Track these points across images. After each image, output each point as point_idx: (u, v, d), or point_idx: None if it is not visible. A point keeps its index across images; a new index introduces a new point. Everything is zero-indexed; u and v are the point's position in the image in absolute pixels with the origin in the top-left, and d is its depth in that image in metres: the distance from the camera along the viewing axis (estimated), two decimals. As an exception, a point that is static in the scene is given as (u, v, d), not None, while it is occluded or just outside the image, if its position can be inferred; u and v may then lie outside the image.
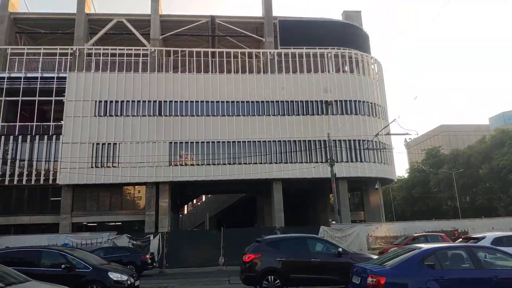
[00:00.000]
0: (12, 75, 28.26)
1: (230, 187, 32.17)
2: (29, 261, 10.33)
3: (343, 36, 32.38)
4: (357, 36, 33.48)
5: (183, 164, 27.47)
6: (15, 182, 25.90)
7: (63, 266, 9.99)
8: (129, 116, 27.60)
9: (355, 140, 29.07)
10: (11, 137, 26.86)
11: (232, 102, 28.84)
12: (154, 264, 18.84)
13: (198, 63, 29.58)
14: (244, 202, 39.21)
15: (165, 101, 28.25)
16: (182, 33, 31.82)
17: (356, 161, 28.87)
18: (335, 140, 27.83)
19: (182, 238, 22.15)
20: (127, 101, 27.92)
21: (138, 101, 28.00)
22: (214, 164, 27.40)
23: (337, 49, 31.24)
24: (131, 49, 29.39)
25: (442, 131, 78.01)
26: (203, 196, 47.00)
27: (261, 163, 27.78)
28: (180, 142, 27.69)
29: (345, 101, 29.94)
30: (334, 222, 24.94)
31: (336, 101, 29.74)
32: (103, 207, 27.12)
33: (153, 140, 27.25)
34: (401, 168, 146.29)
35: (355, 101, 30.11)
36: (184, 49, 30.06)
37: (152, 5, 30.81)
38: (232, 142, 28.02)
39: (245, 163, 27.65)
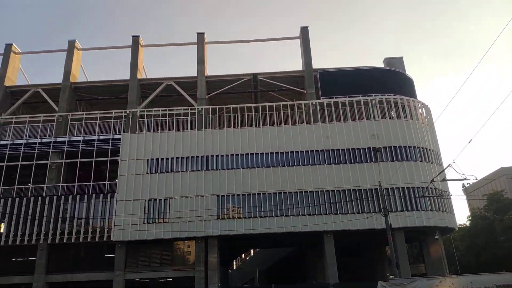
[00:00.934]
0: (72, 138, 30.89)
1: (279, 240, 31.74)
2: None
3: (386, 83, 32.65)
4: (401, 81, 33.62)
5: (231, 217, 27.81)
6: (72, 240, 27.35)
7: None
8: (178, 172, 28.86)
9: (409, 187, 28.15)
10: (70, 196, 28.80)
11: (277, 153, 29.41)
12: None
13: (243, 118, 30.86)
14: (294, 256, 38.22)
15: (212, 156, 29.38)
16: (227, 91, 33.65)
17: (412, 209, 27.73)
18: (387, 188, 27.15)
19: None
20: (177, 158, 29.35)
21: (187, 157, 29.35)
22: (261, 217, 27.48)
23: (381, 95, 31.44)
24: (180, 109, 31.39)
25: (503, 173, 73.01)
26: (252, 251, 46.48)
27: (310, 214, 27.45)
28: (227, 195, 28.28)
29: (395, 147, 29.50)
30: (392, 276, 23.58)
31: (385, 147, 29.39)
32: (154, 263, 27.68)
33: (202, 194, 28.08)
34: (461, 215, 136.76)
35: (405, 146, 29.57)
36: (229, 105, 31.62)
37: (198, 68, 33.26)
38: (279, 193, 28.16)
39: (293, 215, 27.47)
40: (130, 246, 27.57)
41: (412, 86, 34.47)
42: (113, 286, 25.63)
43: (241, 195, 28.25)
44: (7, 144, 30.52)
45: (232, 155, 29.43)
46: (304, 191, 28.16)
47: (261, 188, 28.27)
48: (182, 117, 31.16)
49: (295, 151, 29.36)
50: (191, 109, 31.41)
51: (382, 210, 23.76)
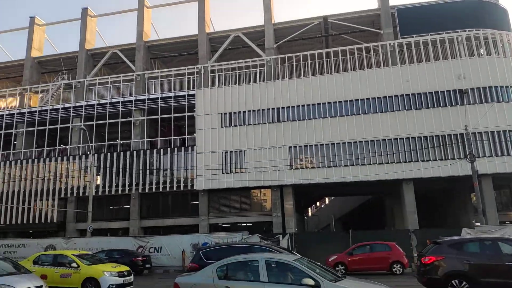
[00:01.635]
0: (151, 96, 33.15)
1: (355, 189, 32.05)
2: None
3: (475, 16, 29.58)
4: (492, 13, 30.21)
5: (304, 167, 28.50)
6: (160, 190, 30.41)
7: None
8: (251, 124, 29.87)
9: (499, 131, 26.24)
10: (155, 150, 31.53)
11: (351, 101, 28.85)
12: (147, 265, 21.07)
13: (313, 66, 30.41)
14: (371, 204, 38.43)
15: (283, 108, 29.76)
16: (296, 38, 33.07)
17: (502, 155, 26.01)
18: (475, 133, 25.62)
19: (310, 239, 23.07)
20: (249, 111, 30.26)
21: (259, 110, 30.10)
22: (335, 166, 27.77)
23: (468, 31, 28.71)
24: (249, 61, 31.80)
25: None
26: (326, 199, 47.53)
27: (388, 162, 27.10)
28: (299, 146, 28.82)
29: (484, 88, 27.26)
30: (478, 223, 22.92)
31: (472, 88, 27.32)
32: (234, 209, 29.92)
33: (274, 146, 28.96)
34: None
35: (495, 86, 27.19)
36: (298, 53, 31.23)
37: (265, 16, 32.89)
38: (354, 142, 28.00)
39: (370, 164, 27.33)
40: (211, 194, 29.91)
41: (506, 18, 30.79)
42: (199, 229, 28.38)
43: (313, 145, 28.61)
44: (94, 104, 33.72)
45: (303, 105, 29.52)
46: (382, 139, 27.65)
47: (335, 137, 28.29)
48: (251, 69, 31.63)
49: (371, 98, 28.53)
50: (259, 60, 31.64)
51: (468, 156, 22.66)
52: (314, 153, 28.52)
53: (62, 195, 31.76)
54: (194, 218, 29.75)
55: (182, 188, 30.13)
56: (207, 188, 29.23)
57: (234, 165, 29.31)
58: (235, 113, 30.38)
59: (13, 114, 34.97)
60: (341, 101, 28.93)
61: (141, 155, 31.42)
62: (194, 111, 31.10)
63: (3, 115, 35.19)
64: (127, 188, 30.86)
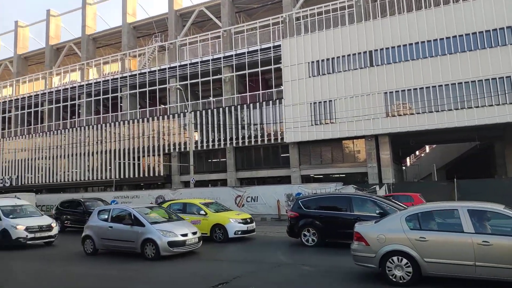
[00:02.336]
0: (238, 51, 33.81)
1: (459, 135, 29.73)
2: (339, 207, 12.14)
3: None
4: None
5: (401, 114, 27.08)
6: (252, 143, 31.76)
7: (377, 211, 11.05)
8: (340, 72, 28.95)
9: None
10: (244, 106, 32.64)
11: (454, 37, 26.05)
12: None
13: (408, 1, 27.85)
14: (478, 151, 35.35)
15: (376, 50, 28.12)
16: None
17: None
18: None
19: (409, 189, 22.31)
20: (337, 57, 29.24)
21: (348, 55, 28.91)
22: (437, 111, 25.88)
23: None
24: (336, 3, 30.27)
25: None
26: (427, 147, 44.99)
27: (499, 104, 24.39)
28: (395, 91, 27.29)
29: None
30: None
31: None
32: (325, 161, 30.07)
33: (367, 93, 27.84)
34: None
35: None
36: (392, -11, 28.76)
37: (352, -49, 30.51)
38: (458, 83, 25.57)
39: (477, 107, 24.88)
40: (301, 146, 30.34)
41: None
42: (291, 180, 29.29)
43: (412, 89, 26.83)
44: (187, 64, 35.59)
45: (398, 46, 27.52)
46: (492, 78, 24.77)
47: (436, 79, 26.12)
48: (339, 12, 30.16)
49: (479, 32, 25.37)
50: (348, 1, 29.91)
51: None
52: (412, 98, 26.81)
53: (166, 151, 35.05)
54: (285, 169, 30.67)
55: (272, 141, 31.04)
56: (297, 140, 29.63)
57: (324, 116, 29.05)
58: (323, 61, 29.63)
59: (117, 78, 38.73)
60: (443, 38, 26.27)
61: (233, 111, 32.82)
62: (281, 63, 31.08)
63: (108, 80, 39.16)
64: (222, 142, 32.79)
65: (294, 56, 30.52)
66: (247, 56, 33.06)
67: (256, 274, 8.84)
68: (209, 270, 9.46)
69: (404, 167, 42.67)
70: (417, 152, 47.28)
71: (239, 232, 14.02)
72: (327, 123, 28.90)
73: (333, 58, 29.37)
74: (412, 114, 26.67)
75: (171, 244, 10.48)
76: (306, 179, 30.02)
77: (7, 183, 42.55)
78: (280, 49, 31.28)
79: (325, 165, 30.02)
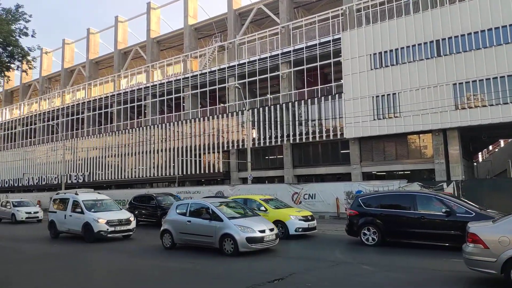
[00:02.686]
0: (296, 47, 33.51)
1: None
2: (402, 205, 11.58)
3: None
4: None
5: (472, 106, 25.09)
6: (310, 140, 31.30)
7: (443, 210, 10.69)
8: (405, 63, 27.49)
9: None
10: (302, 101, 32.25)
11: (534, 20, 23.57)
12: None
13: (481, -16, 25.68)
14: None
15: (443, 39, 26.31)
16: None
17: None
18: None
19: (481, 187, 20.60)
20: (401, 48, 27.80)
21: (413, 46, 27.36)
22: (514, 103, 23.60)
23: None
24: (399, -9, 28.79)
25: None
26: (501, 141, 41.41)
27: None
28: (465, 82, 25.35)
29: None
30: None
31: None
32: (389, 157, 28.72)
33: (434, 84, 26.14)
34: None
35: None
36: (461, -28, 26.72)
37: None
38: (540, 71, 23.09)
39: None
40: (363, 142, 29.29)
41: None
42: (351, 177, 28.39)
43: (484, 79, 24.75)
44: (245, 62, 35.96)
45: (468, 34, 25.52)
46: None
47: (511, 68, 23.84)
48: (402, 1, 28.65)
49: None
50: (412, -12, 28.30)
51: None
52: (484, 88, 24.72)
53: (225, 148, 35.74)
54: (345, 166, 29.81)
55: (331, 137, 30.33)
56: (358, 136, 28.65)
57: (387, 110, 27.77)
58: (385, 52, 28.34)
59: (179, 79, 40.19)
60: (520, 22, 23.90)
61: (290, 107, 32.59)
62: (340, 56, 30.25)
63: (171, 81, 40.77)
64: (279, 139, 32.70)
65: (355, 48, 29.54)
66: (306, 51, 32.64)
67: (312, 272, 8.65)
68: (266, 266, 9.39)
69: (475, 163, 39.58)
70: (490, 147, 43.63)
71: (300, 230, 13.80)
72: (391, 117, 27.60)
73: (396, 49, 27.98)
74: (485, 106, 24.57)
75: (250, 240, 10.26)
76: (367, 177, 28.93)
77: (81, 179, 46.00)
78: (340, 42, 30.46)
79: (388, 161, 28.72)
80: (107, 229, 14.12)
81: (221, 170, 35.99)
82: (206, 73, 38.25)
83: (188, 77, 39.53)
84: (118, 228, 14.45)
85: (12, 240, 16.39)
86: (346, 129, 29.02)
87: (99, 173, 44.84)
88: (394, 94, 27.61)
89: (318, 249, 12.01)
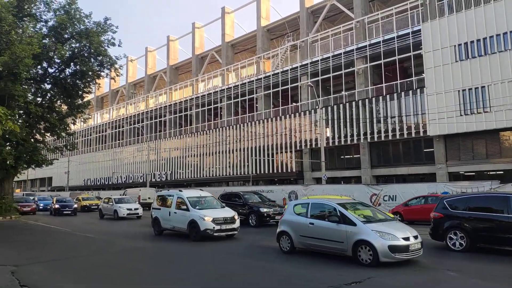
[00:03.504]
0: (372, 41, 32.25)
1: None
2: (494, 208, 10.56)
3: None
4: None
5: None
6: (389, 138, 29.86)
7: None
8: (495, 53, 25.04)
9: None
10: (380, 97, 30.89)
11: None
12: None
13: None
14: None
15: (541, 24, 23.44)
16: None
17: None
18: None
19: None
20: (490, 37, 25.38)
21: (504, 33, 24.82)
22: None
23: None
24: (488, -26, 26.28)
25: None
26: None
27: None
28: None
29: None
30: None
31: None
32: (478, 156, 26.30)
33: (531, 75, 23.40)
34: None
35: None
36: None
37: None
38: None
39: None
40: (448, 140, 27.22)
41: None
42: (436, 178, 26.50)
43: None
44: (318, 60, 35.46)
45: None
46: None
47: None
48: (492, -15, 26.07)
49: None
50: (504, -31, 25.63)
51: None
52: None
53: (298, 148, 35.56)
54: (429, 166, 27.90)
55: (413, 135, 28.62)
56: (443, 133, 26.67)
57: (475, 104, 25.46)
58: (472, 42, 26.04)
59: (253, 80, 40.91)
60: None
61: (367, 104, 31.42)
62: (421, 49, 28.43)
63: (245, 83, 41.63)
64: (355, 138, 31.68)
65: (437, 40, 27.58)
66: (383, 45, 31.26)
67: (391, 276, 8.19)
68: (350, 269, 9.00)
69: None
70: None
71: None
72: (480, 113, 25.26)
73: (485, 39, 25.58)
74: None
75: (393, 249, 8.69)
76: (454, 177, 26.80)
77: (163, 178, 48.93)
78: (420, 34, 28.69)
79: (477, 160, 26.29)
80: (213, 227, 13.40)
81: (294, 170, 35.86)
82: (278, 73, 38.42)
83: (261, 78, 40.06)
84: (224, 227, 13.68)
85: (122, 237, 15.68)
86: (429, 126, 27.20)
87: (180, 172, 47.32)
88: (483, 87, 25.24)
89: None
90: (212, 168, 43.48)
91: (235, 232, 14.16)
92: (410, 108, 28.95)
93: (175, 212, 14.72)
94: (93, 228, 19.48)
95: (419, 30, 28.81)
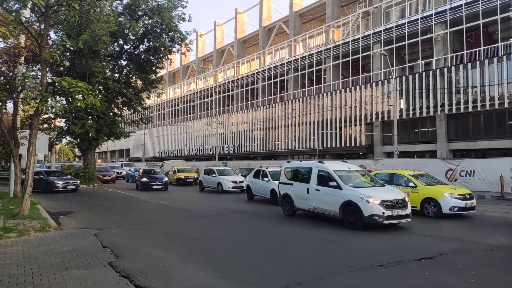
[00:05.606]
0: (453, 4, 30.04)
1: None
2: None
3: None
4: None
5: None
6: (469, 109, 28.09)
7: None
8: None
9: None
10: (460, 66, 28.96)
11: None
12: None
13: None
14: None
15: None
16: None
17: None
18: None
19: None
20: None
21: None
22: None
23: None
24: None
25: None
26: None
27: None
28: None
29: None
30: None
31: None
32: None
33: None
34: None
35: None
36: None
37: None
38: None
39: None
40: (539, 111, 24.99)
41: None
42: (522, 154, 24.68)
43: None
44: (392, 26, 33.89)
45: None
46: None
47: None
48: None
49: None
50: None
51: None
52: None
53: (368, 121, 34.79)
54: (514, 140, 25.95)
55: (496, 106, 26.64)
56: (532, 103, 24.53)
57: None
58: None
59: (321, 51, 40.33)
60: None
61: (445, 73, 29.66)
62: (510, 11, 25.95)
63: (313, 53, 41.15)
64: (431, 109, 30.24)
65: (530, -1, 25.01)
66: (465, 8, 29.06)
67: (465, 253, 7.94)
68: (415, 244, 8.86)
69: None
70: None
71: (455, 209, 12.74)
72: None
73: None
74: None
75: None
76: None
77: (231, 150, 50.82)
78: (510, -7, 26.14)
79: None
80: (383, 213, 9.98)
81: (363, 144, 35.27)
82: (349, 42, 37.44)
83: (330, 48, 39.34)
84: (396, 213, 10.16)
85: (249, 215, 13.60)
86: (517, 96, 25.11)
87: (246, 145, 48.81)
88: None
89: (476, 231, 10.82)
90: (278, 141, 44.21)
91: (408, 219, 10.56)
92: (495, 77, 26.82)
93: (317, 190, 11.62)
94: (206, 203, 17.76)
95: (509, -11, 26.28)
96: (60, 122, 31.91)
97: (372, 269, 6.58)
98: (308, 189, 12.05)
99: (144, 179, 24.44)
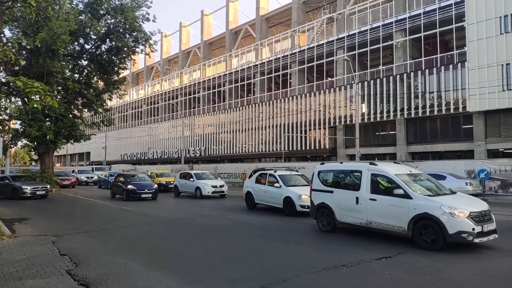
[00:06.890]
0: (412, 13, 31.32)
1: None
2: None
3: None
4: None
5: None
6: (427, 114, 29.38)
7: None
8: (547, 22, 23.71)
9: None
10: (419, 72, 30.22)
11: None
12: None
13: None
14: None
15: None
16: None
17: None
18: None
19: None
20: (543, 5, 23.99)
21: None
22: None
23: None
24: None
25: None
26: None
27: None
28: None
29: None
30: None
31: None
32: (520, 133, 25.44)
33: None
34: None
35: None
36: None
37: None
38: None
39: None
40: (488, 116, 26.43)
41: None
42: (474, 155, 25.97)
43: None
44: (355, 33, 34.86)
45: None
46: None
47: None
48: None
49: None
50: None
51: None
52: None
53: (332, 124, 35.58)
54: (467, 143, 27.32)
55: (452, 111, 27.99)
56: (483, 109, 25.91)
57: (519, 79, 24.46)
58: (519, 13, 24.79)
59: (287, 55, 40.89)
60: None
61: (405, 79, 30.85)
62: (464, 21, 27.38)
63: (279, 57, 41.65)
64: (392, 114, 31.33)
65: (481, 11, 26.42)
66: (423, 17, 30.33)
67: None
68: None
69: None
70: None
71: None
72: (523, 88, 24.28)
73: (534, 9, 24.27)
74: None
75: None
76: (492, 154, 26.13)
77: (197, 153, 50.45)
78: (464, 5, 27.55)
79: (519, 138, 25.47)
80: (473, 230, 8.09)
81: (327, 147, 36.01)
82: (313, 47, 38.16)
83: (295, 53, 39.94)
84: (486, 228, 8.35)
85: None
86: (469, 101, 26.46)
87: (213, 148, 48.60)
88: (529, 60, 24.14)
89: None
90: (245, 144, 44.35)
91: (496, 235, 8.55)
92: (450, 83, 28.18)
93: (373, 199, 9.45)
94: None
95: (463, 1, 27.66)
96: (15, 124, 30.64)
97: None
98: (357, 198, 9.76)
99: (130, 187, 20.54)
